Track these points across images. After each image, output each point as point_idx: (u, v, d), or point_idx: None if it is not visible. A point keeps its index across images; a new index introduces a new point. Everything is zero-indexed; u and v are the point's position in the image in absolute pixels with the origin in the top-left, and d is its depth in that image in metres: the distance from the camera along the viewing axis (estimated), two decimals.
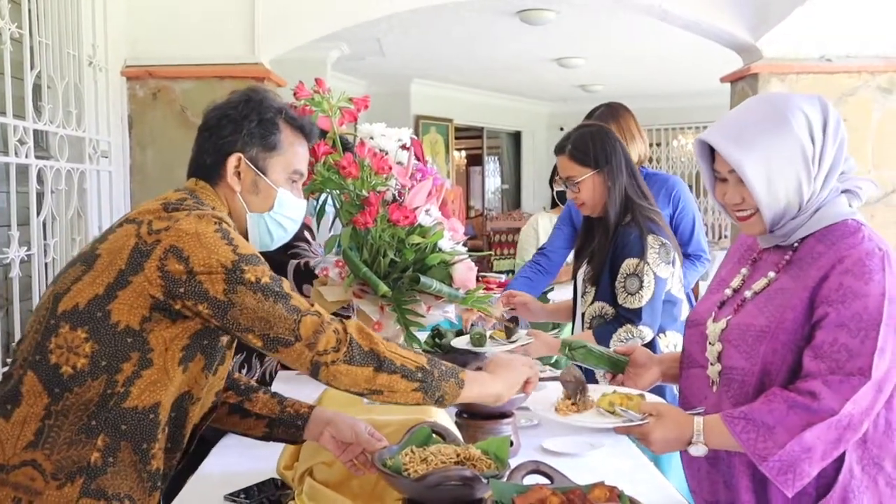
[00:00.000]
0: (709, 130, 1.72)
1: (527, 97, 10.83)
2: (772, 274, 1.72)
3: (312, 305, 1.59)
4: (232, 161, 1.72)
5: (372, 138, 2.04)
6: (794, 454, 1.54)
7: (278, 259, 2.25)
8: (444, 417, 2.03)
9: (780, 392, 1.60)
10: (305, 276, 2.44)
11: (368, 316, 2.00)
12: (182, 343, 1.58)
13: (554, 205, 4.51)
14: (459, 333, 3.09)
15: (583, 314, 2.76)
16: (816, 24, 4.52)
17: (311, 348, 1.54)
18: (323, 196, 2.11)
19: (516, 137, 11.67)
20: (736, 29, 4.64)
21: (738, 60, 4.91)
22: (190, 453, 1.79)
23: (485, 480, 1.57)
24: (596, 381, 2.56)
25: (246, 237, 1.77)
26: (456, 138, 10.60)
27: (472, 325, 2.99)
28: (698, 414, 1.67)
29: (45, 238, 3.46)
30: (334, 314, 1.68)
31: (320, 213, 2.14)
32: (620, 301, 2.63)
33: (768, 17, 4.55)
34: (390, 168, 1.97)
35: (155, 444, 1.59)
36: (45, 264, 3.45)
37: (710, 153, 1.74)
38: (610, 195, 2.67)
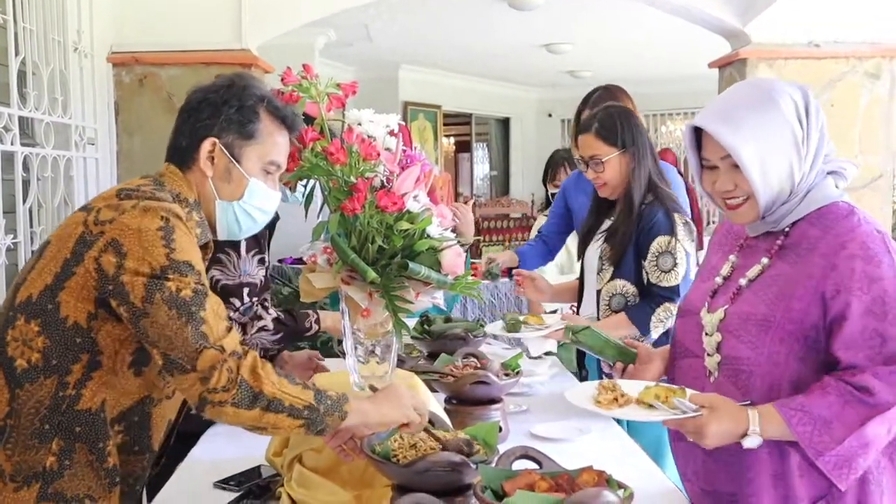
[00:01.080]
0: (700, 116, 1.69)
1: (515, 83, 10.81)
2: (765, 260, 1.70)
3: (227, 332, 1.54)
4: (206, 145, 1.70)
5: (360, 124, 2.02)
6: (852, 449, 1.54)
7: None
8: (434, 403, 2.04)
9: (834, 384, 1.57)
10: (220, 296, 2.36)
11: (357, 303, 2.00)
12: (133, 346, 1.57)
13: (548, 205, 4.40)
14: (448, 320, 3.10)
15: (598, 291, 2.75)
16: (804, 9, 4.52)
17: (203, 383, 1.49)
18: (311, 182, 2.10)
19: (505, 124, 11.66)
20: (724, 14, 4.63)
21: (727, 46, 4.91)
22: (171, 447, 1.79)
23: (473, 466, 1.58)
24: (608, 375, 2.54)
25: (215, 224, 1.75)
26: (444, 125, 10.57)
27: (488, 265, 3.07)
28: (748, 405, 1.61)
29: (31, 226, 3.45)
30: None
31: (308, 200, 2.13)
32: (654, 280, 2.63)
33: (756, 3, 4.55)
34: (378, 154, 1.96)
35: (109, 441, 1.58)
36: (32, 252, 3.43)
37: (698, 141, 1.73)
38: (634, 176, 2.67)
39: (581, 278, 2.93)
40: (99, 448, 1.56)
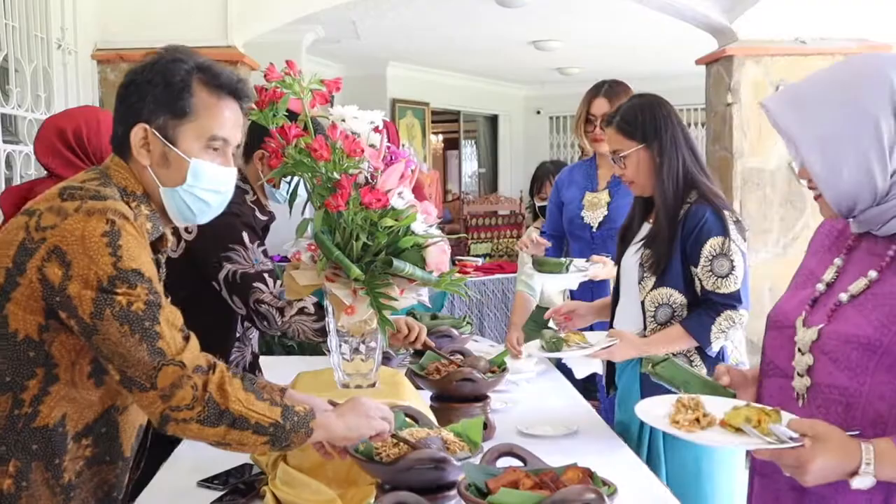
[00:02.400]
0: (774, 95, 1.51)
1: (503, 80, 10.80)
2: (873, 273, 1.43)
3: (185, 344, 1.46)
4: (137, 132, 1.54)
5: (344, 121, 2.01)
6: None
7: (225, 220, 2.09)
8: (419, 401, 2.03)
9: None
10: (235, 288, 2.29)
11: (341, 300, 1.99)
12: (90, 356, 1.47)
13: (535, 218, 4.37)
14: (434, 317, 3.09)
15: (642, 302, 2.44)
16: (791, 6, 4.54)
17: (165, 401, 1.42)
18: (295, 179, 2.09)
19: (493, 121, 11.65)
20: (711, 11, 4.64)
21: (714, 43, 4.92)
22: (151, 449, 1.74)
23: (457, 463, 1.57)
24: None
25: (166, 213, 1.62)
26: (433, 122, 10.55)
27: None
28: (857, 435, 1.35)
29: None
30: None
31: (293, 197, 2.11)
32: (710, 287, 2.32)
33: (743, 0, 4.56)
34: (362, 151, 1.95)
35: (66, 455, 1.50)
36: None
37: None
38: (659, 173, 2.40)
39: (617, 288, 2.63)
40: (55, 465, 1.48)
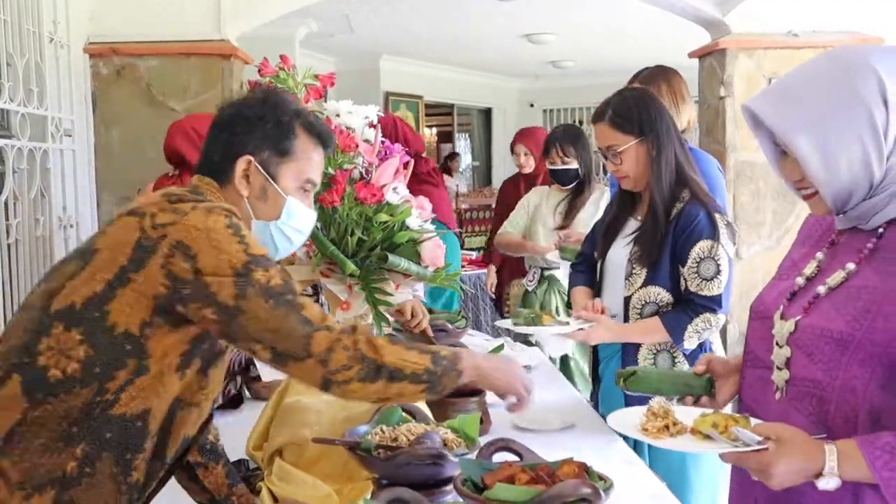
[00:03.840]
0: (757, 96, 1.47)
1: (497, 73, 10.79)
2: (851, 266, 1.43)
3: (324, 315, 1.50)
4: (241, 163, 1.61)
5: (338, 115, 2.01)
6: None
7: None
8: None
9: None
10: None
11: (337, 295, 1.99)
12: (181, 349, 1.48)
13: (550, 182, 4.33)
14: (429, 311, 3.09)
15: (627, 298, 2.44)
16: None
17: (324, 365, 1.45)
18: None
19: (487, 114, 11.65)
20: (703, 4, 4.65)
21: (707, 36, 4.92)
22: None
23: (454, 458, 1.58)
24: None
25: None
26: (426, 115, 10.56)
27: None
28: (822, 438, 1.36)
29: (7, 219, 3.41)
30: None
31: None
32: (694, 288, 2.34)
33: None
34: (357, 146, 1.95)
35: (140, 454, 1.48)
36: (8, 245, 3.40)
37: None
38: (654, 166, 2.38)
39: (600, 280, 2.61)
40: (126, 459, 1.46)
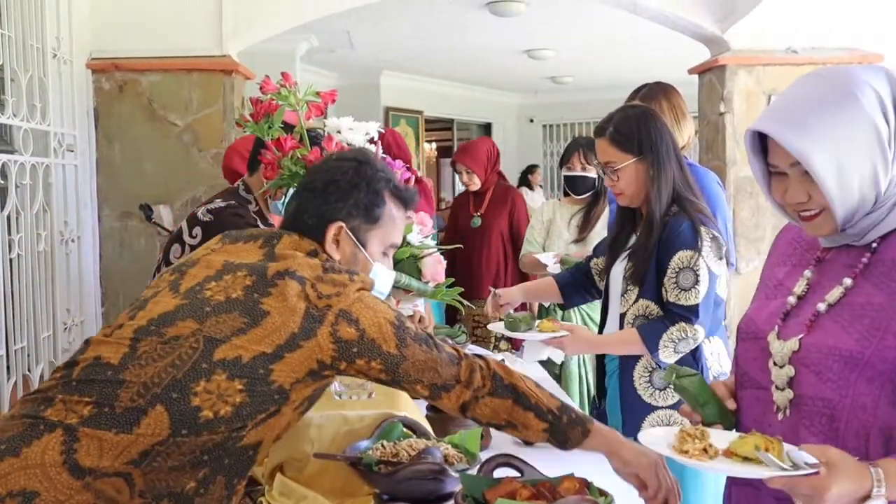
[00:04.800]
0: (762, 118, 1.45)
1: (497, 89, 10.82)
2: (848, 281, 1.42)
3: (457, 349, 1.63)
4: (333, 229, 1.66)
5: (339, 132, 2.03)
6: None
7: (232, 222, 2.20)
8: (416, 411, 2.04)
9: None
10: None
11: None
12: (308, 393, 1.56)
13: (565, 194, 4.17)
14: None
15: (623, 314, 2.44)
16: (782, 16, 4.56)
17: (468, 387, 1.57)
18: (291, 191, 2.10)
19: (486, 129, 11.67)
20: (703, 21, 4.67)
21: (706, 52, 4.95)
22: None
23: (455, 474, 1.58)
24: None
25: None
26: (426, 130, 10.57)
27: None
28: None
29: (9, 233, 3.42)
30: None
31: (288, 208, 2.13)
32: (672, 298, 2.34)
33: (735, 10, 4.59)
34: None
35: (244, 479, 1.57)
36: (10, 260, 3.41)
37: (762, 145, 1.47)
38: (653, 185, 2.37)
39: (605, 299, 2.61)
40: (233, 484, 1.53)
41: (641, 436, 1.50)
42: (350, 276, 1.57)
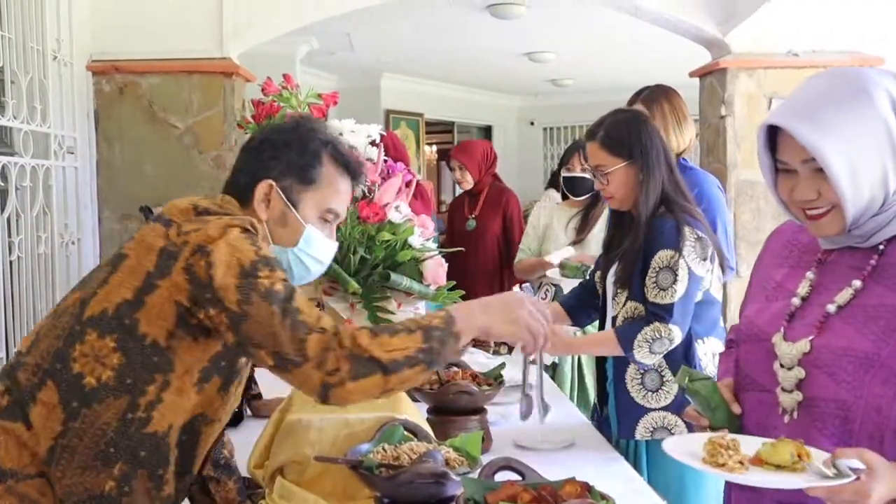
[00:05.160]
0: (776, 112, 1.43)
1: (497, 91, 10.81)
2: (857, 283, 1.42)
3: (321, 317, 1.48)
4: (262, 187, 1.62)
5: (340, 134, 2.02)
6: None
7: None
8: (416, 414, 2.03)
9: None
10: None
11: (338, 313, 1.99)
12: (201, 365, 1.51)
13: (564, 196, 4.15)
14: None
15: (614, 317, 2.46)
16: (783, 19, 4.56)
17: (320, 368, 1.42)
18: None
19: (487, 132, 11.66)
20: (704, 24, 4.67)
21: (707, 55, 4.95)
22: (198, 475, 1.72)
23: (456, 478, 1.57)
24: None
25: None
26: (427, 133, 10.56)
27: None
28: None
29: (9, 235, 3.41)
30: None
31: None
32: (650, 297, 2.34)
33: (736, 13, 4.58)
34: None
35: (168, 468, 1.51)
36: (10, 262, 3.41)
37: (772, 141, 1.46)
38: (642, 189, 2.38)
39: (602, 303, 2.63)
40: (158, 475, 1.49)
41: (666, 445, 1.44)
42: (222, 217, 1.50)
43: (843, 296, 1.42)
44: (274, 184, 1.62)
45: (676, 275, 2.31)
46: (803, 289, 1.49)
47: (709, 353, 2.45)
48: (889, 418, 1.35)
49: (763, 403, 1.51)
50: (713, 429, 1.53)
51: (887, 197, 1.38)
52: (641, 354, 2.32)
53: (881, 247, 1.41)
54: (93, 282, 1.50)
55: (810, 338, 1.42)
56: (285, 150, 1.64)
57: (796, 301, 1.49)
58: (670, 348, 2.34)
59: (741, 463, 1.34)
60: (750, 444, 1.38)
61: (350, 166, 1.69)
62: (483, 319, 1.52)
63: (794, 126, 1.37)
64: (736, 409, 1.56)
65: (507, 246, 4.65)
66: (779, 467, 1.32)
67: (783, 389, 1.46)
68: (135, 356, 1.44)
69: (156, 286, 1.44)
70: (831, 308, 1.43)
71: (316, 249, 1.67)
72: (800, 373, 1.43)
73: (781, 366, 1.46)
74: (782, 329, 1.48)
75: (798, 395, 1.43)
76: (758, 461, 1.34)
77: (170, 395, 1.47)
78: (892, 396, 1.35)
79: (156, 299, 1.44)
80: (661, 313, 2.32)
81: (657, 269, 2.33)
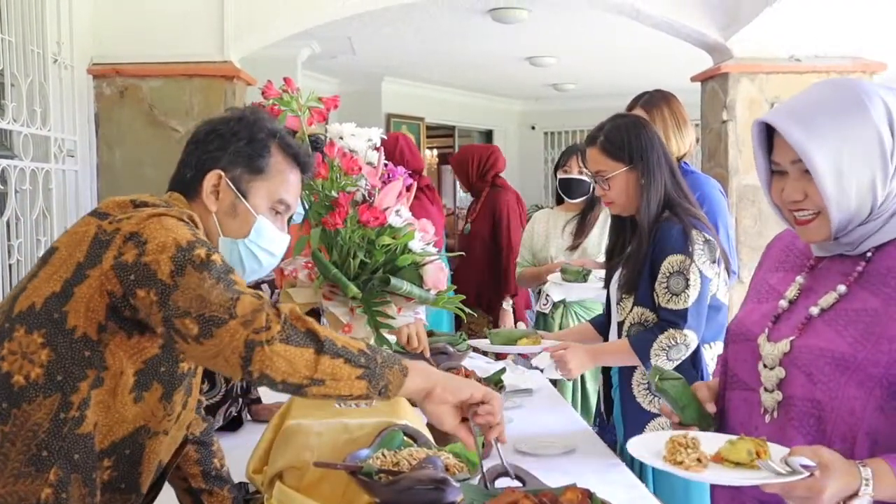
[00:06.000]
0: (772, 111, 1.47)
1: (498, 96, 10.81)
2: (842, 288, 1.44)
3: (258, 293, 1.42)
4: (211, 178, 1.59)
5: (342, 138, 2.01)
6: None
7: None
8: (416, 419, 2.02)
9: None
10: None
11: (338, 318, 1.98)
12: (136, 367, 1.45)
13: (559, 200, 4.15)
14: (430, 334, 3.07)
15: (620, 324, 2.45)
16: (785, 24, 4.55)
17: (247, 326, 1.34)
18: None
19: (488, 136, 11.66)
20: (706, 29, 4.66)
21: (709, 60, 4.94)
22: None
23: (456, 484, 1.56)
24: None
25: None
26: (427, 137, 10.56)
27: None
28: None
29: (8, 239, 3.41)
30: None
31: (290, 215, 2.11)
32: (663, 303, 2.33)
33: (738, 18, 4.58)
34: (360, 168, 1.95)
35: (97, 472, 1.45)
36: (10, 266, 3.40)
37: (769, 143, 1.49)
38: (644, 194, 2.37)
39: (608, 309, 2.61)
40: (92, 479, 1.44)
41: (630, 445, 1.48)
42: (159, 207, 1.46)
43: (827, 299, 1.45)
44: (223, 174, 1.60)
45: (688, 279, 2.31)
46: (791, 292, 1.52)
47: (716, 357, 2.43)
48: (862, 420, 1.37)
49: (747, 402, 1.54)
50: (683, 425, 1.58)
51: (875, 206, 1.40)
52: (660, 363, 2.30)
53: (868, 254, 1.44)
54: (23, 278, 1.48)
55: (791, 338, 1.45)
56: (233, 139, 1.61)
57: (784, 303, 1.52)
58: (687, 354, 2.33)
59: (699, 461, 1.37)
60: (714, 443, 1.40)
61: (299, 157, 1.67)
62: (433, 369, 1.50)
63: (784, 125, 1.40)
64: (710, 408, 1.59)
65: (497, 248, 4.69)
66: (738, 465, 1.35)
67: (765, 389, 1.48)
68: (64, 351, 1.40)
69: (85, 276, 1.40)
70: (814, 311, 1.46)
71: (267, 241, 1.64)
72: (780, 372, 1.45)
73: (765, 366, 1.49)
74: (767, 330, 1.51)
75: (778, 395, 1.46)
76: (718, 459, 1.37)
77: (100, 393, 1.42)
78: (867, 399, 1.37)
79: (85, 290, 1.40)
80: (675, 319, 2.31)
81: (668, 273, 2.32)
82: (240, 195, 1.61)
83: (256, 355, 1.33)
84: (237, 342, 1.34)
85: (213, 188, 1.60)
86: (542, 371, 2.77)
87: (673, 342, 2.30)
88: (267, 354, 1.33)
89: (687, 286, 2.30)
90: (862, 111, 1.38)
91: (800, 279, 1.53)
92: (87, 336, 1.40)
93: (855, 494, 1.29)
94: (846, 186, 1.38)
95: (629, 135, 2.40)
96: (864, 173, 1.38)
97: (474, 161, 4.84)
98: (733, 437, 1.41)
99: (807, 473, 1.27)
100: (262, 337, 1.34)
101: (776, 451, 1.35)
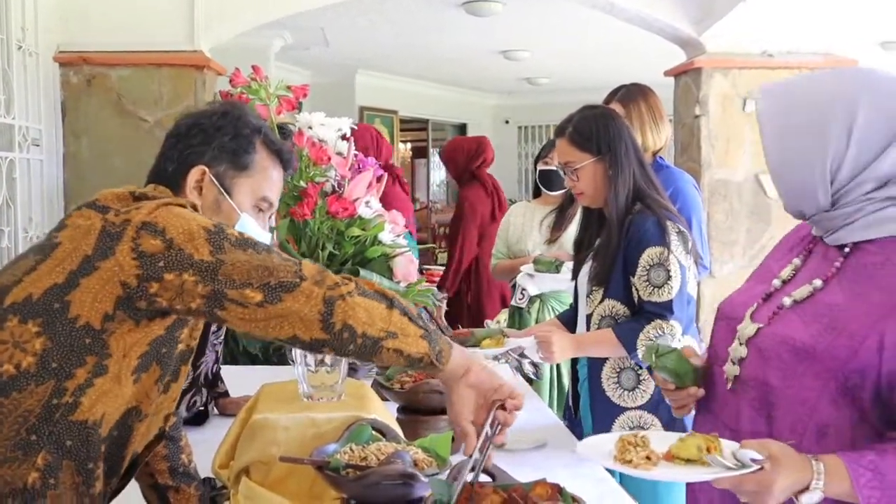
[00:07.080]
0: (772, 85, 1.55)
1: (472, 90, 10.82)
2: (818, 282, 1.47)
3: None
4: (195, 173, 1.56)
5: (311, 128, 1.99)
6: None
7: None
8: (386, 414, 2.00)
9: None
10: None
11: None
12: (141, 350, 1.43)
13: (537, 193, 4.11)
14: None
15: (588, 316, 2.45)
16: (758, 20, 4.58)
17: (320, 285, 1.34)
18: None
19: (462, 130, 11.66)
20: (680, 23, 4.68)
21: (682, 55, 4.95)
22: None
23: (424, 479, 1.54)
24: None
25: None
26: (401, 130, 10.55)
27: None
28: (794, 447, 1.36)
29: None
30: None
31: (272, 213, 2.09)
32: (645, 296, 2.34)
33: (711, 13, 4.60)
34: (329, 158, 1.93)
35: (99, 462, 1.43)
36: None
37: None
38: (612, 185, 2.38)
39: (575, 303, 2.62)
40: (88, 469, 1.41)
41: (579, 448, 1.50)
42: (160, 199, 1.44)
43: (802, 292, 1.48)
44: (207, 170, 1.57)
45: (669, 271, 2.32)
46: (786, 272, 1.55)
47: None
48: (815, 411, 1.39)
49: (716, 375, 1.58)
50: (680, 390, 1.62)
51: (827, 188, 1.43)
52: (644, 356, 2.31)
53: (846, 250, 1.47)
54: (17, 270, 1.42)
55: (760, 325, 1.49)
56: (217, 135, 1.58)
57: (777, 283, 1.55)
58: (673, 344, 2.33)
59: (648, 458, 1.39)
60: (666, 441, 1.42)
61: (282, 154, 1.65)
62: (472, 360, 1.48)
63: (764, 91, 1.48)
64: (697, 361, 1.64)
65: (450, 243, 4.92)
66: (689, 461, 1.36)
67: (731, 361, 1.53)
68: (62, 339, 1.37)
69: (95, 268, 1.37)
70: (787, 301, 1.49)
71: None
72: (742, 351, 1.50)
73: (738, 340, 1.53)
74: (756, 305, 1.54)
75: (736, 370, 1.51)
76: (669, 457, 1.38)
77: (104, 381, 1.40)
78: (821, 392, 1.38)
79: (93, 281, 1.37)
80: (661, 311, 2.32)
81: (647, 266, 2.34)
82: (224, 192, 1.58)
83: (338, 308, 1.34)
84: (315, 300, 1.34)
85: (196, 184, 1.57)
86: (520, 357, 2.75)
87: (660, 332, 2.32)
88: (349, 304, 1.35)
89: (669, 277, 2.32)
90: (835, 89, 1.43)
91: (796, 261, 1.56)
92: (90, 325, 1.38)
93: (806, 488, 1.30)
94: (787, 160, 1.45)
95: (597, 126, 2.41)
96: (813, 148, 1.42)
97: (463, 151, 4.98)
98: (683, 435, 1.43)
99: (756, 467, 1.28)
100: (340, 291, 1.35)
101: (727, 446, 1.36)
